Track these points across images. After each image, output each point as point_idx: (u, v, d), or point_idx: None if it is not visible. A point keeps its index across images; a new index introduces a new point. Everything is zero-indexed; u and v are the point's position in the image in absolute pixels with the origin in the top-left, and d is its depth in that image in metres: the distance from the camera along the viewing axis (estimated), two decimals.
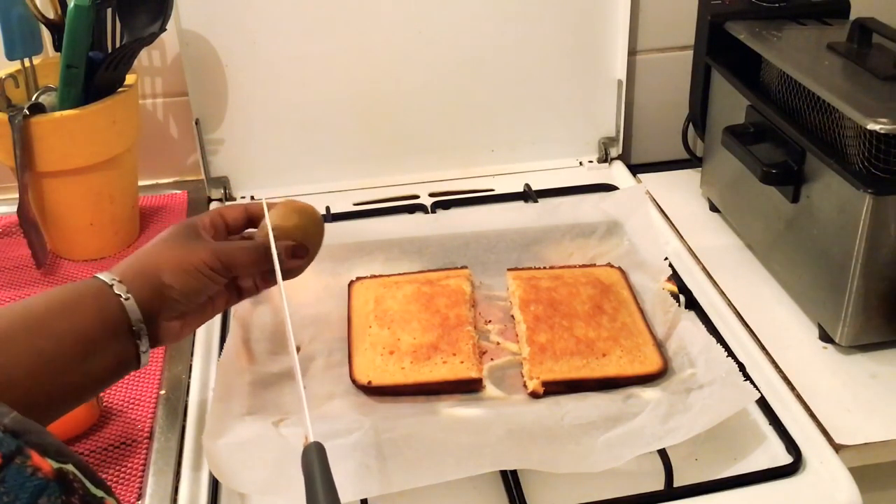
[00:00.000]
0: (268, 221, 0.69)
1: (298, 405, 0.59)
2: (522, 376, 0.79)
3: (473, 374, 0.77)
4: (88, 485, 0.35)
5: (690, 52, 1.10)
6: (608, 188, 1.12)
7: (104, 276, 0.61)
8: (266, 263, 0.68)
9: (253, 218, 0.72)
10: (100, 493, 0.35)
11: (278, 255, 0.67)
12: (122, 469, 0.74)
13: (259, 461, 0.68)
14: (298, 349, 0.81)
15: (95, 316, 0.59)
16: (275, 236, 0.68)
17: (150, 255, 0.64)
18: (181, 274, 0.63)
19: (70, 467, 0.34)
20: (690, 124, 1.15)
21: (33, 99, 0.97)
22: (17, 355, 0.55)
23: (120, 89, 0.99)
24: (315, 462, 0.53)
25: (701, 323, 0.85)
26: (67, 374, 0.58)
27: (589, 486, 0.69)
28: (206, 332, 0.89)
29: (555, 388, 0.76)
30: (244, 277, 0.70)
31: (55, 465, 0.34)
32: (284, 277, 0.68)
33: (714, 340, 0.79)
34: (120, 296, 0.60)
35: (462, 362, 0.78)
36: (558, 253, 0.96)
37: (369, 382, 0.77)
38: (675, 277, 0.92)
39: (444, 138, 1.18)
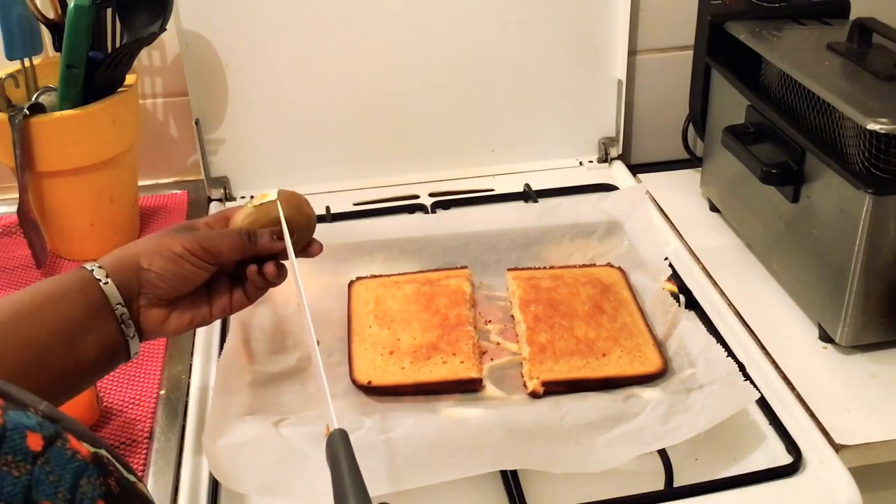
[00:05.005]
0: (281, 214, 0.70)
1: (320, 393, 0.61)
2: (522, 376, 0.79)
3: (473, 374, 0.77)
4: (122, 469, 0.36)
5: (690, 52, 1.10)
6: (608, 188, 1.12)
7: (87, 265, 0.63)
8: (248, 250, 0.69)
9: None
10: (132, 478, 0.36)
11: (263, 237, 0.69)
12: None
13: (259, 461, 0.68)
14: (318, 343, 0.81)
15: (80, 302, 0.61)
16: (263, 224, 0.70)
17: (134, 244, 0.66)
18: (158, 258, 0.64)
19: (104, 452, 0.35)
20: (690, 124, 1.15)
21: (33, 99, 0.97)
22: (7, 346, 0.56)
23: (120, 89, 0.99)
24: (340, 448, 0.54)
25: (701, 323, 0.85)
26: (57, 362, 0.59)
27: (589, 486, 0.69)
28: (206, 332, 0.89)
29: (555, 388, 0.76)
30: (239, 265, 0.71)
31: (91, 449, 0.35)
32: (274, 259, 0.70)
33: (714, 340, 0.79)
34: (99, 280, 0.62)
35: (462, 362, 0.78)
36: (558, 253, 0.96)
37: (369, 382, 0.77)
38: (675, 277, 0.92)
39: (444, 138, 1.18)
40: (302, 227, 0.72)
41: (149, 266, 0.64)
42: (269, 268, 0.70)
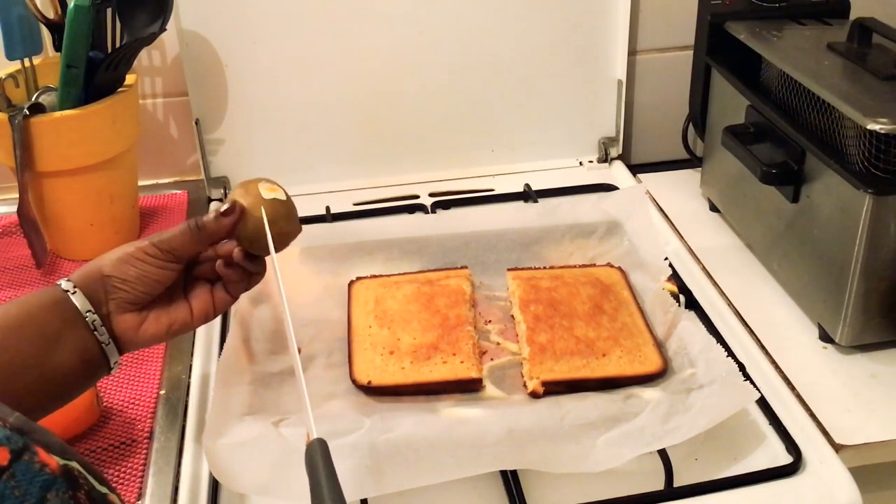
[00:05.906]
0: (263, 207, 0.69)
1: (300, 403, 0.60)
2: (522, 376, 0.79)
3: (473, 374, 0.77)
4: (93, 481, 0.36)
5: (690, 52, 1.10)
6: (608, 188, 1.12)
7: (58, 281, 0.65)
8: (197, 236, 0.68)
9: None
10: (104, 490, 0.36)
11: (208, 219, 0.68)
12: (122, 469, 0.74)
13: (259, 461, 0.68)
14: (300, 350, 0.81)
15: (54, 314, 0.63)
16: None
17: (100, 257, 0.68)
18: (118, 263, 0.66)
19: (75, 464, 0.35)
20: (690, 124, 1.15)
21: (33, 99, 0.97)
22: None
23: (120, 89, 0.99)
24: (319, 458, 0.54)
25: (701, 323, 0.85)
26: (34, 374, 0.60)
27: (589, 486, 0.69)
28: (206, 332, 0.89)
29: (555, 388, 0.76)
30: (205, 262, 0.71)
31: (61, 461, 0.34)
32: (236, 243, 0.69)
33: (714, 340, 0.79)
34: (67, 291, 0.63)
35: (462, 362, 0.78)
36: (558, 253, 0.96)
37: (369, 382, 0.77)
38: (675, 277, 0.92)
39: (444, 138, 1.18)
40: (254, 228, 0.69)
41: (111, 272, 0.65)
42: (235, 251, 0.69)
